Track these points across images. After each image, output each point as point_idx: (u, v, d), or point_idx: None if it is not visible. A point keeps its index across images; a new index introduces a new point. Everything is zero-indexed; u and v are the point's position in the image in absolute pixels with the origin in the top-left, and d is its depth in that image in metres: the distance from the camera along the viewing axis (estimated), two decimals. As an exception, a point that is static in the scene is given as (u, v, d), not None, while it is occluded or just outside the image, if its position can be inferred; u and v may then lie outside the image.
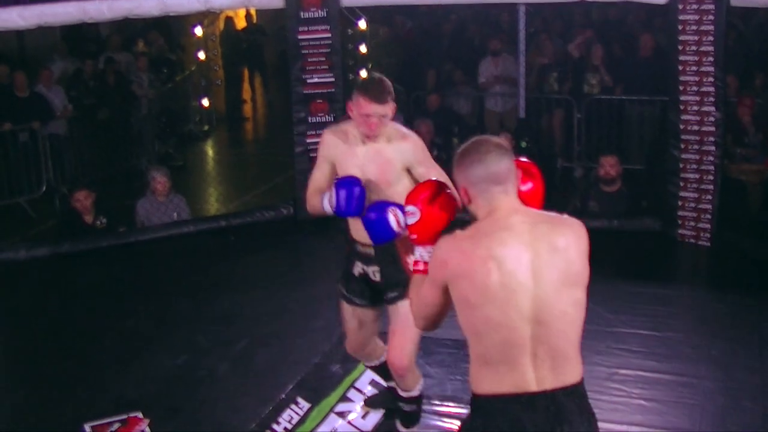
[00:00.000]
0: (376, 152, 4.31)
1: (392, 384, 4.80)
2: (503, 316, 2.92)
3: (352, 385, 5.48)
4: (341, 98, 8.72)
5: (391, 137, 4.32)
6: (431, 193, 3.28)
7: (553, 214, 3.11)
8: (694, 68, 7.57)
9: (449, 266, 2.98)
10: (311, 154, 8.65)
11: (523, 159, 3.35)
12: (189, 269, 7.65)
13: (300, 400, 5.31)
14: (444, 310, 3.13)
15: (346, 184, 4.18)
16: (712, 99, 7.57)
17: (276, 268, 7.60)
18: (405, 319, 4.22)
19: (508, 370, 2.95)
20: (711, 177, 7.71)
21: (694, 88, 7.61)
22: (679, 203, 7.88)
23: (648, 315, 6.36)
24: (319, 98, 8.60)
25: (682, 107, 7.71)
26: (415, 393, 4.69)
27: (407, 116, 10.70)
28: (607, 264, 7.44)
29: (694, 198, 7.81)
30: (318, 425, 5.07)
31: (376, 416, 5.17)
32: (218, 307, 6.76)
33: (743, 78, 10.38)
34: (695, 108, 7.64)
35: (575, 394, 2.98)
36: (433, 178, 3.78)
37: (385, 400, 5.12)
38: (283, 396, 5.36)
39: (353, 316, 4.64)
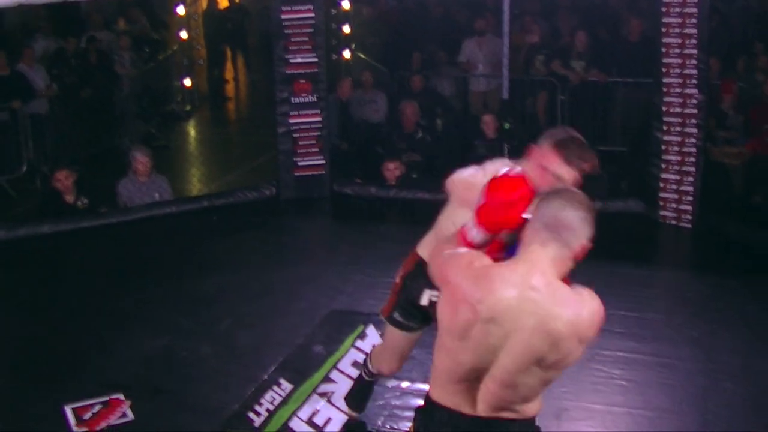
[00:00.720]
0: None
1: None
2: (469, 358, 2.89)
3: (334, 366, 5.48)
4: (324, 78, 8.71)
5: None
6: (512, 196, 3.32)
7: (575, 292, 2.90)
8: (677, 50, 7.59)
9: (446, 285, 3.00)
10: (294, 135, 8.65)
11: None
12: (171, 250, 7.62)
13: (282, 381, 5.30)
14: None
15: None
16: (694, 81, 7.59)
17: (259, 248, 7.59)
18: None
19: (458, 391, 2.96)
20: (693, 159, 7.74)
21: (677, 71, 7.62)
22: (661, 185, 7.90)
23: (629, 296, 6.38)
24: (302, 78, 8.56)
25: (665, 89, 7.73)
26: None
27: (391, 97, 10.70)
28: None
29: (676, 180, 7.84)
30: (300, 406, 5.06)
31: (358, 397, 5.18)
32: (201, 288, 6.73)
33: (725, 61, 10.40)
34: (678, 90, 7.66)
35: (516, 425, 2.97)
36: None
37: (360, 390, 4.91)
38: (266, 377, 5.35)
39: (408, 341, 4.45)
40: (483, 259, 2.97)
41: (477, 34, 11.10)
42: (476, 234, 3.28)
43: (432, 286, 3.92)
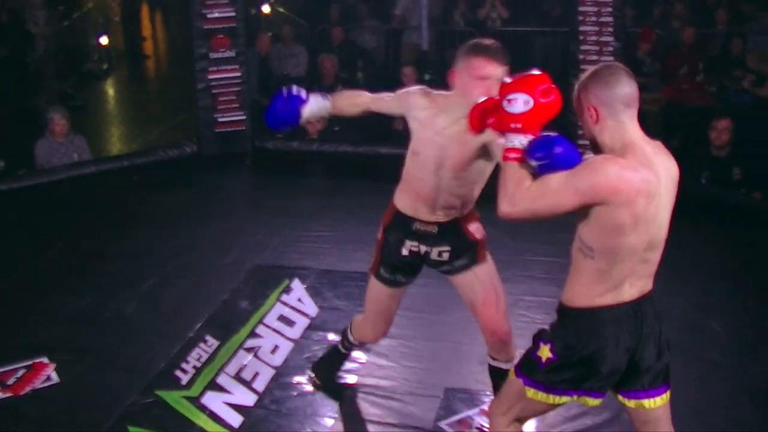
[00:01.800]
0: (460, 132, 3.83)
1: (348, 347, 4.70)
2: (639, 243, 3.11)
3: (260, 321, 5.49)
4: (243, 33, 8.63)
5: None
6: (547, 87, 3.20)
7: (661, 145, 3.21)
8: (592, -1, 7.68)
9: (619, 193, 3.03)
10: (213, 91, 8.58)
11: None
12: (92, 210, 7.52)
13: (208, 337, 5.29)
14: (562, 214, 3.18)
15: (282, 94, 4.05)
16: (610, 29, 7.69)
17: (181, 205, 7.54)
18: (491, 282, 4.19)
19: (615, 286, 3.17)
20: (609, 106, 7.83)
21: (593, 19, 7.71)
22: (580, 132, 7.97)
23: (551, 242, 6.42)
24: (220, 33, 8.48)
25: (581, 38, 7.81)
26: (515, 361, 4.01)
27: (311, 50, 10.65)
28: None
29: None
30: (227, 362, 5.06)
31: (285, 350, 5.19)
32: (124, 247, 6.68)
33: (642, 9, 10.54)
34: (594, 38, 7.75)
35: (652, 300, 3.26)
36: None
37: (332, 366, 4.83)
38: (192, 334, 5.33)
39: (392, 297, 4.33)
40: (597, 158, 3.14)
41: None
42: (522, 140, 3.18)
43: (411, 236, 4.08)
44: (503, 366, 4.21)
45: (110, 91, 12.76)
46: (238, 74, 8.62)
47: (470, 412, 4.58)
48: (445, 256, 4.13)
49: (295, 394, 4.78)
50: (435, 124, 3.90)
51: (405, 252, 4.14)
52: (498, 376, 4.19)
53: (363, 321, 4.49)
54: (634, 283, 3.18)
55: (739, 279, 6.05)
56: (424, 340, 5.26)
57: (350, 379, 4.88)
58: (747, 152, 7.47)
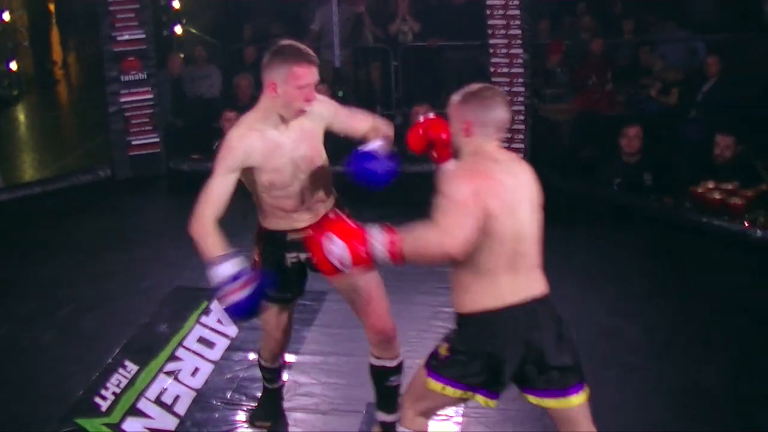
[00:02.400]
0: (299, 131, 3.91)
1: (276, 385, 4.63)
2: (507, 233, 3.29)
3: (180, 344, 5.46)
4: (154, 55, 8.59)
5: (312, 108, 3.89)
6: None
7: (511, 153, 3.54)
8: (501, 12, 7.80)
9: (485, 199, 3.24)
10: (126, 114, 8.51)
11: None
12: (5, 238, 7.40)
13: (127, 362, 5.24)
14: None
15: (247, 287, 3.64)
16: (519, 42, 7.82)
17: (97, 230, 7.47)
18: (375, 282, 4.17)
19: (508, 282, 3.35)
20: (522, 117, 7.98)
21: (502, 32, 7.83)
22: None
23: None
24: (131, 55, 8.43)
25: (491, 50, 7.92)
26: (400, 359, 4.29)
27: (225, 70, 10.61)
28: (426, 206, 7.62)
29: (507, 138, 8.00)
30: (147, 386, 5.02)
31: (205, 372, 5.17)
32: (40, 274, 6.58)
33: (554, 21, 10.71)
34: (504, 51, 7.87)
35: (546, 302, 3.43)
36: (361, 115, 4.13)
37: (269, 406, 4.70)
38: (110, 360, 5.28)
39: (281, 315, 4.29)
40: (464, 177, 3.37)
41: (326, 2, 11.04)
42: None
43: (288, 247, 4.10)
44: (388, 364, 4.25)
45: (21, 117, 12.55)
46: (150, 96, 8.58)
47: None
48: None
49: (216, 416, 4.76)
50: (278, 148, 3.89)
51: (288, 264, 4.13)
52: (383, 377, 4.27)
53: (266, 339, 4.43)
54: (518, 285, 3.35)
55: (653, 282, 6.20)
56: (344, 356, 5.27)
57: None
58: (657, 159, 7.63)
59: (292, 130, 3.91)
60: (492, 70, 7.95)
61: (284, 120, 3.87)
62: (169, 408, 4.85)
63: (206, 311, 5.80)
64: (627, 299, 5.90)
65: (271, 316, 4.28)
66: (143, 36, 8.46)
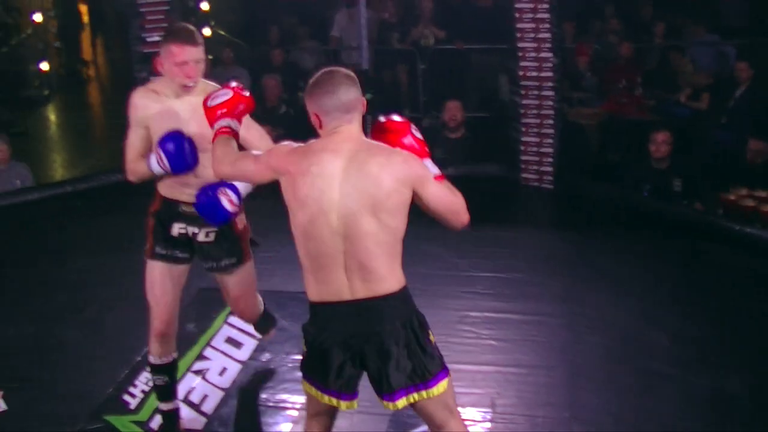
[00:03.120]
0: (194, 107, 4.10)
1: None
2: (314, 229, 3.30)
3: (208, 344, 5.48)
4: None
5: (207, 89, 4.06)
6: (240, 87, 3.79)
7: (386, 147, 3.40)
8: (530, 15, 7.76)
9: (282, 169, 3.35)
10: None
11: (397, 118, 3.62)
12: (34, 237, 7.46)
13: (156, 361, 5.27)
14: (256, 181, 3.63)
15: (172, 139, 4.10)
16: (548, 45, 7.78)
17: (123, 230, 7.42)
18: (247, 282, 4.59)
19: (325, 278, 3.34)
20: (551, 121, 7.94)
21: (531, 35, 7.80)
22: (522, 148, 8.09)
23: (494, 258, 6.54)
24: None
25: (520, 54, 7.90)
26: (262, 309, 4.93)
27: (253, 72, 10.64)
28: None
29: (536, 142, 8.04)
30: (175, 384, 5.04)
31: (233, 372, 5.19)
32: (67, 273, 6.63)
33: (580, 24, 10.68)
34: (533, 54, 7.84)
35: (388, 301, 3.33)
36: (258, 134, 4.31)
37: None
38: (138, 358, 5.31)
39: (169, 276, 4.48)
40: (299, 145, 3.42)
41: (346, 6, 11.07)
42: (229, 123, 3.70)
43: (178, 218, 4.38)
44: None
45: (52, 117, 12.64)
46: (180, 97, 8.58)
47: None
48: (212, 236, 4.40)
49: (244, 415, 4.77)
50: (173, 115, 4.17)
51: (174, 233, 4.40)
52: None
53: (152, 319, 4.57)
54: (354, 281, 3.30)
55: (681, 290, 6.14)
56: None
57: (301, 399, 4.88)
58: (687, 164, 7.58)
59: (188, 104, 4.17)
60: (521, 73, 7.92)
61: (178, 93, 4.17)
62: (196, 407, 4.88)
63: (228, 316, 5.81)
64: (654, 306, 5.85)
65: (157, 278, 4.51)
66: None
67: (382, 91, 10.27)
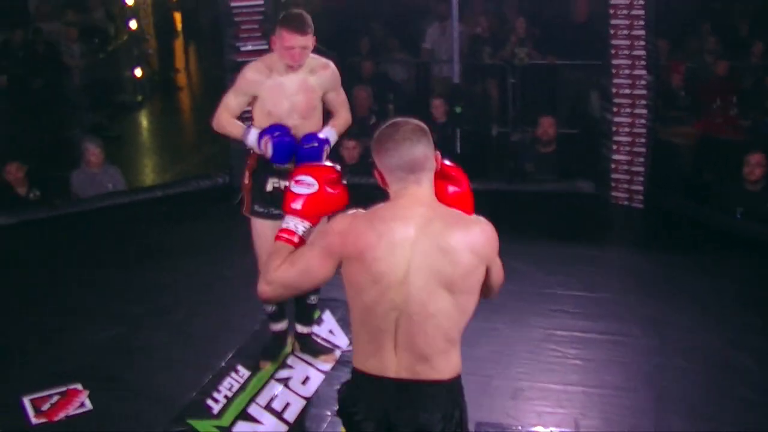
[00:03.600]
0: (301, 82, 4.78)
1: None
2: (376, 304, 2.98)
3: (291, 352, 5.49)
4: (275, 66, 8.67)
5: (313, 68, 4.82)
6: (335, 178, 3.25)
7: (463, 215, 3.09)
8: (625, 32, 7.65)
9: (347, 243, 3.00)
10: (246, 123, 8.61)
11: (448, 163, 3.24)
12: (125, 240, 7.59)
13: (240, 367, 5.30)
14: (319, 284, 3.23)
15: (285, 136, 4.68)
16: (643, 62, 7.67)
17: (212, 236, 7.57)
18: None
19: (374, 351, 3.04)
20: (643, 140, 7.82)
21: (626, 52, 7.70)
22: (613, 166, 7.98)
23: (582, 276, 6.46)
24: (254, 66, 8.54)
25: (614, 71, 7.79)
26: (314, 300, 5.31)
27: (343, 82, 10.67)
28: (542, 226, 7.56)
29: (627, 161, 7.92)
30: (258, 392, 5.07)
31: (316, 381, 5.20)
32: (155, 277, 6.72)
33: (674, 43, 10.51)
34: (627, 72, 7.73)
35: (432, 388, 3.02)
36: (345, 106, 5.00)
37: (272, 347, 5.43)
38: (223, 364, 5.35)
39: (270, 231, 4.47)
40: (355, 212, 3.09)
41: (439, 20, 11.07)
42: (297, 224, 3.22)
43: (273, 173, 4.84)
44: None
45: (144, 122, 12.86)
46: (271, 106, 8.66)
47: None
48: None
49: (325, 425, 4.78)
50: (282, 86, 4.77)
51: (269, 188, 4.87)
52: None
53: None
54: (402, 358, 3.02)
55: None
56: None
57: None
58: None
59: (295, 78, 4.77)
60: (614, 91, 7.81)
61: (286, 70, 4.74)
62: (279, 415, 4.89)
63: (318, 321, 5.81)
64: (745, 332, 5.71)
65: (260, 233, 4.95)
66: (265, 47, 8.54)
67: (473, 105, 10.24)
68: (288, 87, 4.77)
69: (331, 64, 4.95)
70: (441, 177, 3.17)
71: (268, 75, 4.77)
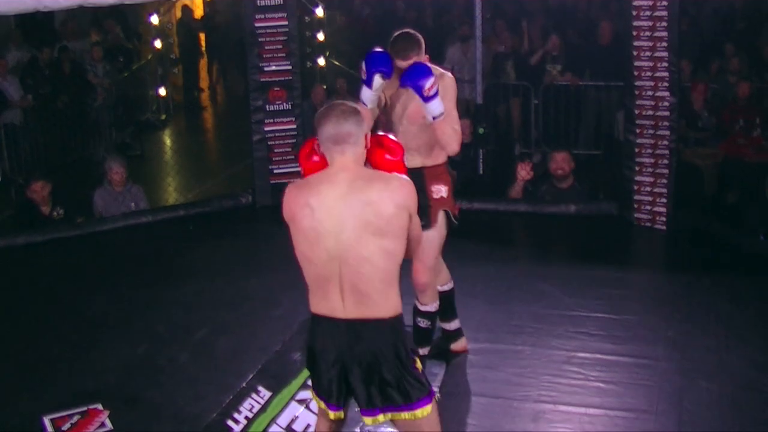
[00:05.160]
0: (411, 94, 4.78)
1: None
2: (313, 255, 3.56)
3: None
4: (299, 86, 8.73)
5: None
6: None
7: (383, 173, 3.65)
8: (648, 53, 7.63)
9: (285, 210, 3.64)
10: (269, 142, 8.66)
11: (391, 137, 3.86)
12: (147, 259, 7.61)
13: (261, 388, 5.30)
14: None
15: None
16: (666, 84, 7.64)
17: (235, 256, 7.59)
18: (430, 240, 4.94)
19: (322, 296, 3.61)
20: (666, 161, 7.78)
21: (649, 74, 7.67)
22: (635, 187, 7.95)
23: (605, 298, 6.43)
24: (277, 86, 8.58)
25: (637, 92, 7.77)
26: (431, 308, 5.24)
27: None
28: (565, 248, 7.54)
29: (650, 182, 7.88)
30: (279, 413, 5.07)
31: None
32: (178, 296, 6.73)
33: (697, 63, 10.50)
34: (650, 93, 7.70)
35: (377, 325, 3.57)
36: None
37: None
38: (244, 384, 5.35)
39: None
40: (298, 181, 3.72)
41: (460, 41, 11.10)
42: None
43: None
44: (419, 306, 5.24)
45: (167, 141, 12.94)
46: (294, 126, 8.70)
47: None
48: None
49: (346, 446, 4.76)
50: (402, 94, 4.95)
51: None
52: (414, 314, 5.26)
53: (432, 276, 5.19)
54: (347, 301, 3.55)
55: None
56: (475, 396, 5.22)
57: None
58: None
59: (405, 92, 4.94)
60: (637, 112, 7.80)
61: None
62: (299, 436, 4.89)
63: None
64: (768, 353, 5.68)
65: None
66: (289, 67, 8.61)
67: (496, 125, 10.25)
68: (405, 93, 4.90)
69: (446, 76, 5.05)
70: (378, 145, 3.74)
71: (392, 84, 4.91)
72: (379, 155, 3.74)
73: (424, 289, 5.15)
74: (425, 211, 4.82)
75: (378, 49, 4.88)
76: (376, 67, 4.79)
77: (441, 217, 5.05)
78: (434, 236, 5.02)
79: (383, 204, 3.48)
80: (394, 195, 3.51)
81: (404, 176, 3.64)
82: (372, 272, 3.51)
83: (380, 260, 3.51)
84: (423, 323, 5.28)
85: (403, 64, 4.78)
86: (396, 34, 4.94)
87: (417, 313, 5.27)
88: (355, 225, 3.48)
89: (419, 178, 4.75)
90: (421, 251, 4.75)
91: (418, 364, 3.69)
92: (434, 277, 5.20)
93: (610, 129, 10.17)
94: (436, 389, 4.08)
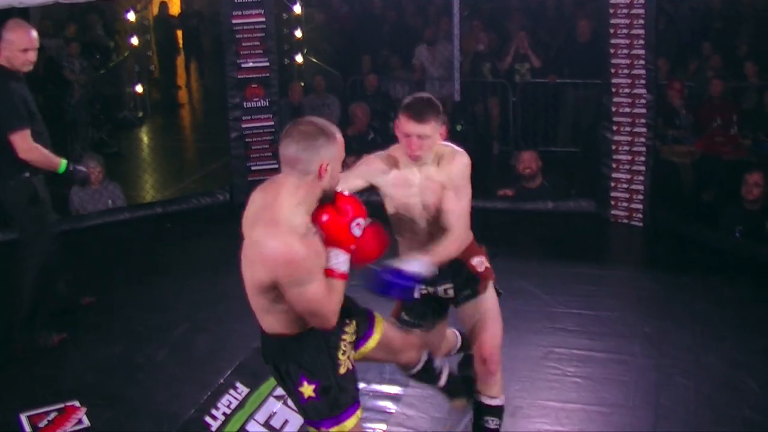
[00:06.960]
0: (428, 178, 4.12)
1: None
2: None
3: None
4: (276, 83, 8.72)
5: (440, 159, 4.13)
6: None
7: (278, 220, 3.31)
8: (625, 51, 7.68)
9: None
10: (247, 140, 8.65)
11: (346, 194, 3.51)
12: (125, 257, 7.59)
13: (238, 384, 5.30)
14: None
15: (408, 282, 3.84)
16: (643, 81, 7.68)
17: (213, 254, 7.56)
18: (490, 311, 4.33)
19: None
20: (643, 158, 7.83)
21: (626, 71, 7.72)
22: (612, 184, 7.99)
23: (582, 294, 6.45)
24: (254, 83, 8.57)
25: (614, 90, 7.82)
26: (500, 401, 4.39)
27: (343, 100, 10.72)
28: (542, 245, 7.56)
29: (627, 179, 7.93)
30: (257, 409, 5.07)
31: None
32: (155, 294, 6.73)
33: (674, 62, 10.54)
34: (627, 90, 7.75)
35: (272, 341, 3.62)
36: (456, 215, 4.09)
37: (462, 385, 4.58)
38: (222, 381, 5.34)
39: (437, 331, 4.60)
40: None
41: (427, 43, 11.13)
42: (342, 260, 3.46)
43: (425, 281, 4.06)
44: (485, 401, 4.34)
45: (145, 139, 12.88)
46: (271, 123, 8.70)
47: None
48: (450, 292, 4.35)
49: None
50: (407, 183, 4.16)
51: (417, 296, 4.07)
52: (478, 413, 4.37)
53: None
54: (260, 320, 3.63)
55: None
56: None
57: (379, 428, 4.86)
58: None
59: (424, 173, 4.14)
60: (614, 110, 7.83)
61: (408, 162, 4.14)
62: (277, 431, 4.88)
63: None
64: (747, 352, 5.68)
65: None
66: (267, 64, 8.60)
67: (474, 124, 10.25)
68: (416, 183, 4.15)
69: (460, 157, 4.17)
70: (332, 205, 3.44)
71: (394, 166, 4.19)
72: (322, 213, 3.42)
73: (495, 371, 4.34)
74: (474, 286, 4.30)
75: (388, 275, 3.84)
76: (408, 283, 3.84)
77: (491, 287, 4.37)
78: (495, 305, 4.36)
79: (254, 249, 3.37)
80: (263, 253, 3.30)
81: (290, 241, 3.25)
82: (258, 308, 3.61)
83: (260, 301, 3.55)
84: (492, 423, 4.37)
85: (418, 127, 4.00)
86: (415, 96, 4.16)
87: (482, 410, 4.38)
88: (246, 252, 3.44)
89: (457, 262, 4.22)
90: (491, 323, 4.31)
91: (304, 388, 3.68)
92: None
93: (591, 127, 10.19)
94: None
